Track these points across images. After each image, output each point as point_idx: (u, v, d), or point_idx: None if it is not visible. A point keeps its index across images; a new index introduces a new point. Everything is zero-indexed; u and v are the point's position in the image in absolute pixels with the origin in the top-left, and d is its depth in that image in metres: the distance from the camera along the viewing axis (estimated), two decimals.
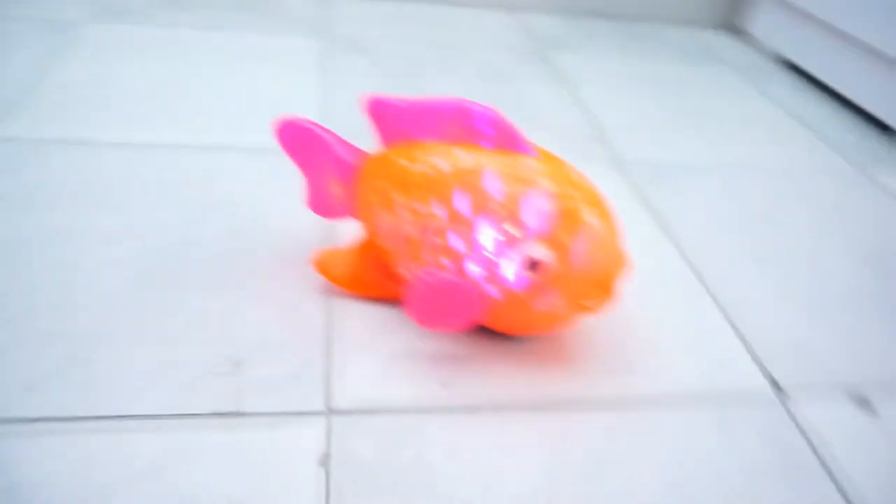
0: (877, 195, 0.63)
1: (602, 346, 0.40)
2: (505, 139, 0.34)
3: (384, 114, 0.37)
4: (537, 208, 0.32)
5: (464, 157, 0.34)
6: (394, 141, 0.37)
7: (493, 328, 0.38)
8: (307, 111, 0.61)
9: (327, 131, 0.39)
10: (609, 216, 0.34)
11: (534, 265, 0.33)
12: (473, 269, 0.34)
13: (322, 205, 0.42)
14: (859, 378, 0.41)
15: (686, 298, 0.46)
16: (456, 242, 0.34)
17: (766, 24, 0.96)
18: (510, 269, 0.33)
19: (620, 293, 0.34)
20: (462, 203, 0.33)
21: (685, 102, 0.76)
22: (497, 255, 0.33)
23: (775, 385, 0.40)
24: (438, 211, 0.34)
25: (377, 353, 0.36)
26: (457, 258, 0.34)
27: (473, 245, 0.33)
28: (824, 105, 0.82)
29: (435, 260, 0.35)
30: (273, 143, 0.39)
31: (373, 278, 0.40)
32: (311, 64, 0.71)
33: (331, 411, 0.32)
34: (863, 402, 0.40)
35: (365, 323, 0.38)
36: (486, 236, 0.33)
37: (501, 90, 0.72)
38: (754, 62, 0.93)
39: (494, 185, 0.33)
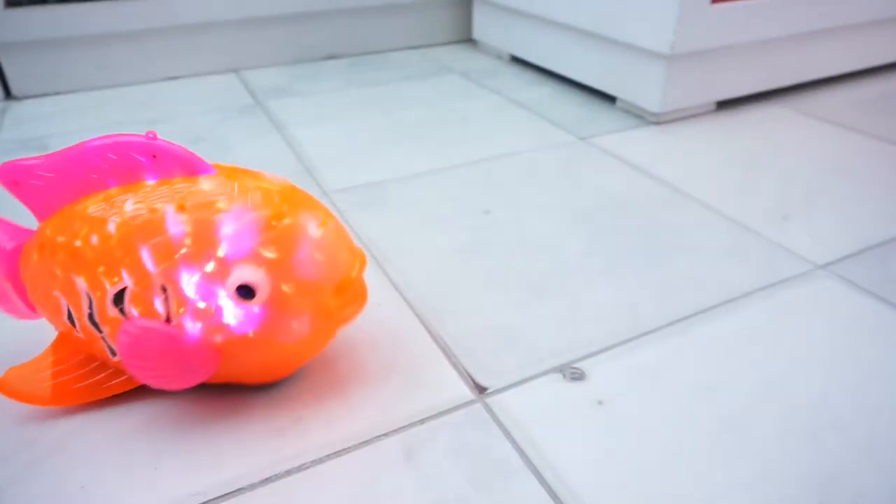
0: (596, 156, 0.63)
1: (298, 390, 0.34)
2: (171, 164, 0.30)
3: (23, 181, 0.31)
4: (233, 231, 0.28)
5: (131, 208, 0.29)
6: (49, 212, 0.31)
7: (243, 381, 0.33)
8: None
9: None
10: (321, 212, 0.31)
11: (248, 292, 0.28)
12: (193, 325, 0.29)
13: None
14: (570, 354, 0.38)
15: (389, 315, 0.41)
16: (160, 306, 0.29)
17: (490, 30, 0.98)
18: (230, 311, 0.29)
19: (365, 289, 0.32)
20: (149, 260, 0.29)
21: (409, 116, 0.74)
22: (207, 300, 0.28)
23: (477, 387, 0.35)
24: (129, 280, 0.29)
25: None
26: (169, 320, 0.29)
27: (180, 299, 0.29)
28: (549, 89, 0.83)
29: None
30: None
31: (82, 380, 0.33)
32: None
33: None
34: (575, 378, 0.36)
35: None
36: (188, 284, 0.28)
37: (203, 151, 0.65)
38: (483, 65, 0.94)
39: (177, 226, 0.29)
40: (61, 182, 0.30)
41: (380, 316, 0.41)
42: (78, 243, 0.29)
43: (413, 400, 0.34)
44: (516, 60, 0.95)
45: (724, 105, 0.77)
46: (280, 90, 0.84)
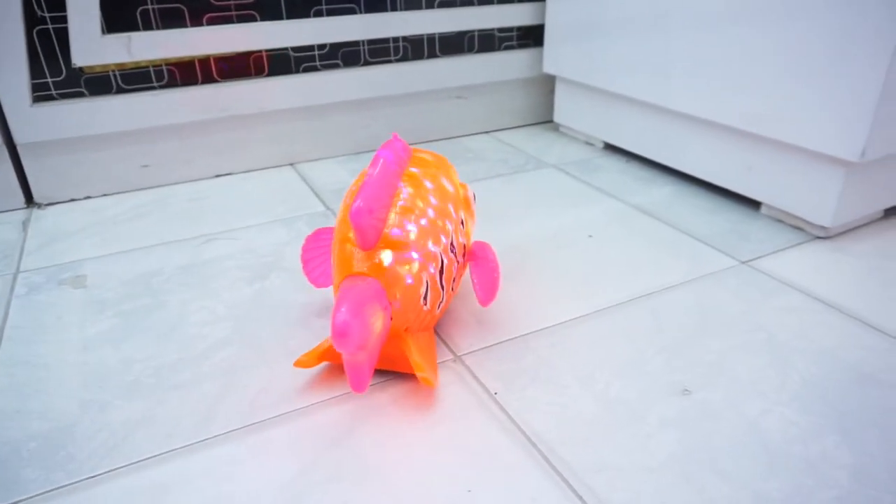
0: (778, 291, 0.50)
1: None
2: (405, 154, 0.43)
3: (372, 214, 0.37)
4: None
5: (435, 201, 0.42)
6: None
7: None
8: None
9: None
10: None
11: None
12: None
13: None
14: None
15: None
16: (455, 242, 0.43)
17: (578, 114, 0.87)
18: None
19: None
20: (454, 213, 0.44)
21: (518, 234, 0.61)
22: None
23: None
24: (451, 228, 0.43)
25: None
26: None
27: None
28: (670, 189, 0.71)
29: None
30: None
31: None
32: None
33: None
34: None
35: None
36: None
37: (277, 288, 0.52)
38: (575, 155, 0.82)
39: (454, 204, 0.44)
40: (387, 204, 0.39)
41: None
42: (425, 223, 0.40)
43: None
44: (612, 148, 0.84)
45: (891, 212, 0.64)
46: (341, 188, 0.71)
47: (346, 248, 0.38)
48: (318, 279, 0.45)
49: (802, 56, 0.55)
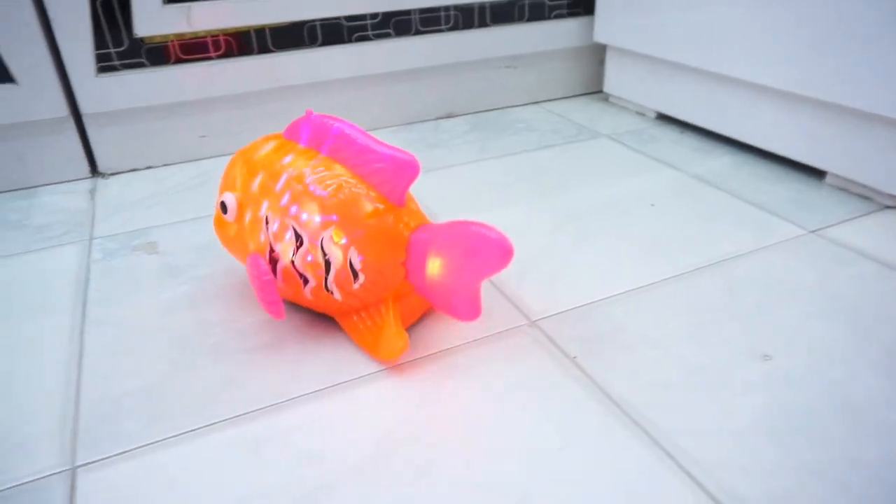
0: (850, 259, 0.49)
1: None
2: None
3: None
4: None
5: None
6: None
7: None
8: (59, 382, 0.37)
9: None
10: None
11: None
12: None
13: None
14: None
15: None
16: None
17: (629, 83, 0.86)
18: None
19: None
20: None
21: (578, 202, 0.61)
22: None
23: None
24: None
25: None
26: None
27: None
28: (728, 158, 0.70)
29: None
30: None
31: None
32: (68, 290, 0.48)
33: None
34: None
35: None
36: None
37: None
38: (628, 125, 0.81)
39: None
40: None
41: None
42: None
43: None
44: (665, 118, 0.82)
45: None
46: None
47: (395, 220, 0.39)
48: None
49: (868, 16, 0.53)
